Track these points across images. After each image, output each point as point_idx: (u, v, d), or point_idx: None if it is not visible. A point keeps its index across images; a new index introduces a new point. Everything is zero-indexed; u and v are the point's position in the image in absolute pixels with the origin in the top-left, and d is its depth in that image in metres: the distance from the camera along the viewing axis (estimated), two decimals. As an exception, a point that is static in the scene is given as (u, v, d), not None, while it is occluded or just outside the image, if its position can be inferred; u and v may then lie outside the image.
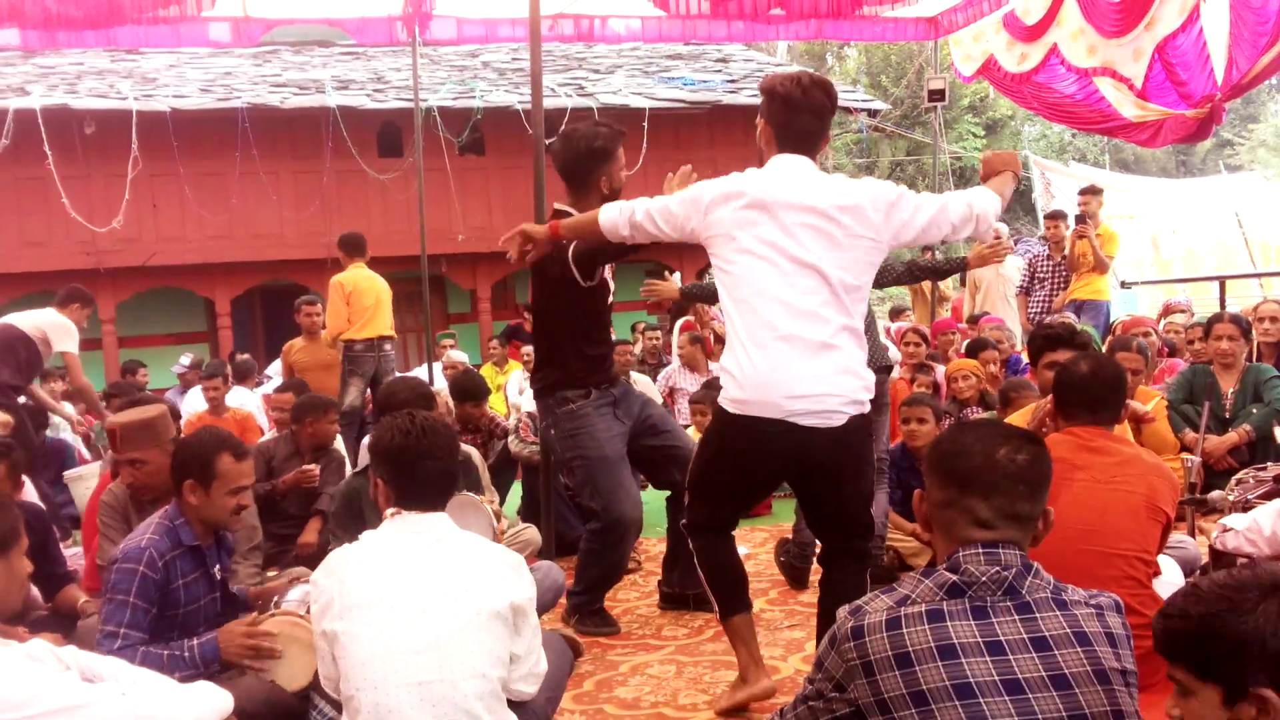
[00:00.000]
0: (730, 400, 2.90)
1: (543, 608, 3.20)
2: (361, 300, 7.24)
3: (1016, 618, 1.71)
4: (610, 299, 3.97)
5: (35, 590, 3.62)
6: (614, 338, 4.16)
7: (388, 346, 7.39)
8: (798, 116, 2.92)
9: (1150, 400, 5.13)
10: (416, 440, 2.34)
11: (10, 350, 6.06)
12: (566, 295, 3.79)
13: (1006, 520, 1.78)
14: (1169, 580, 3.10)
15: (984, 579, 1.73)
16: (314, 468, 4.75)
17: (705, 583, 3.10)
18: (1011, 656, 1.67)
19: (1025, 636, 1.69)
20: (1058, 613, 1.72)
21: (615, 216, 3.12)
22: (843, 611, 1.81)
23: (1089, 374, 2.90)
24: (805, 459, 2.89)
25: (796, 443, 2.83)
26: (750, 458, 2.92)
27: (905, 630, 1.71)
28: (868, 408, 2.93)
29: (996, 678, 1.66)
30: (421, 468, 2.34)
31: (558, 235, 3.35)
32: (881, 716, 1.71)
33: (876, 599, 1.79)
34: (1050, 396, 3.35)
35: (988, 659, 1.67)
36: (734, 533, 3.16)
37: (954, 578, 1.75)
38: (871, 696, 1.72)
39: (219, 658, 2.76)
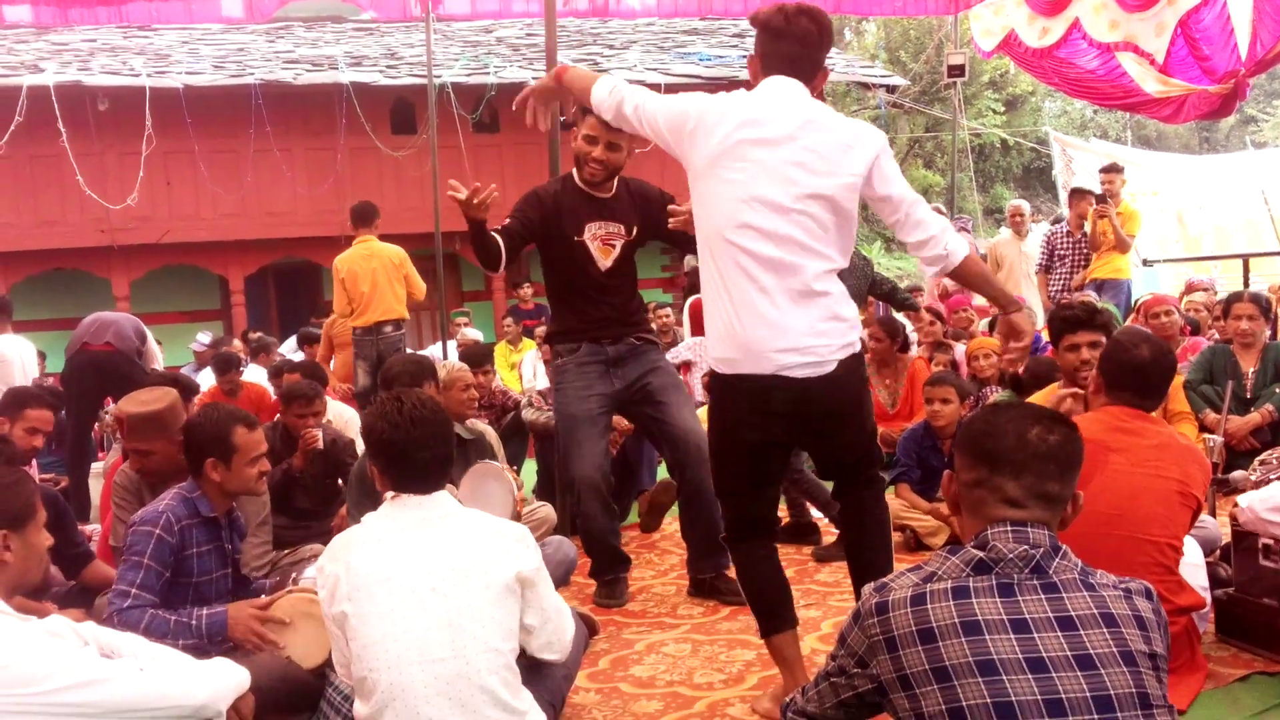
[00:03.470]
0: (719, 360, 2.78)
1: (554, 584, 3.18)
2: (357, 285, 7.10)
3: (1043, 596, 1.70)
4: (605, 264, 3.90)
5: (55, 569, 3.64)
6: (635, 303, 4.05)
7: (388, 329, 7.18)
8: (781, 42, 2.75)
9: None
10: (405, 431, 2.29)
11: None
12: (546, 251, 3.98)
13: (1036, 500, 1.77)
14: (1190, 560, 3.07)
15: (1011, 556, 1.72)
16: (315, 432, 4.50)
17: (745, 597, 3.00)
18: (1036, 635, 1.66)
19: (1051, 615, 1.68)
20: (1085, 593, 1.71)
21: (604, 96, 2.92)
22: (868, 588, 1.80)
23: (1150, 360, 2.84)
24: (803, 411, 2.75)
25: (792, 397, 2.69)
26: (752, 417, 2.76)
27: (930, 606, 1.70)
28: (857, 347, 2.80)
29: (1020, 655, 1.64)
30: (413, 458, 2.30)
31: (560, 79, 3.09)
32: (903, 692, 1.70)
33: (902, 576, 1.78)
34: (1064, 381, 3.30)
35: (1012, 636, 1.66)
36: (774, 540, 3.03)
37: (981, 554, 1.74)
38: (894, 672, 1.71)
39: (225, 633, 2.78)
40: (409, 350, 8.05)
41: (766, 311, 2.67)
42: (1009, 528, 1.74)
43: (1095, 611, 1.69)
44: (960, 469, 1.85)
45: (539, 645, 2.31)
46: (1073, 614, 1.68)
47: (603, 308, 3.94)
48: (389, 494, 2.36)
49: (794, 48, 2.76)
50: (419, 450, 2.29)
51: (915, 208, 2.74)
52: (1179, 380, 5.12)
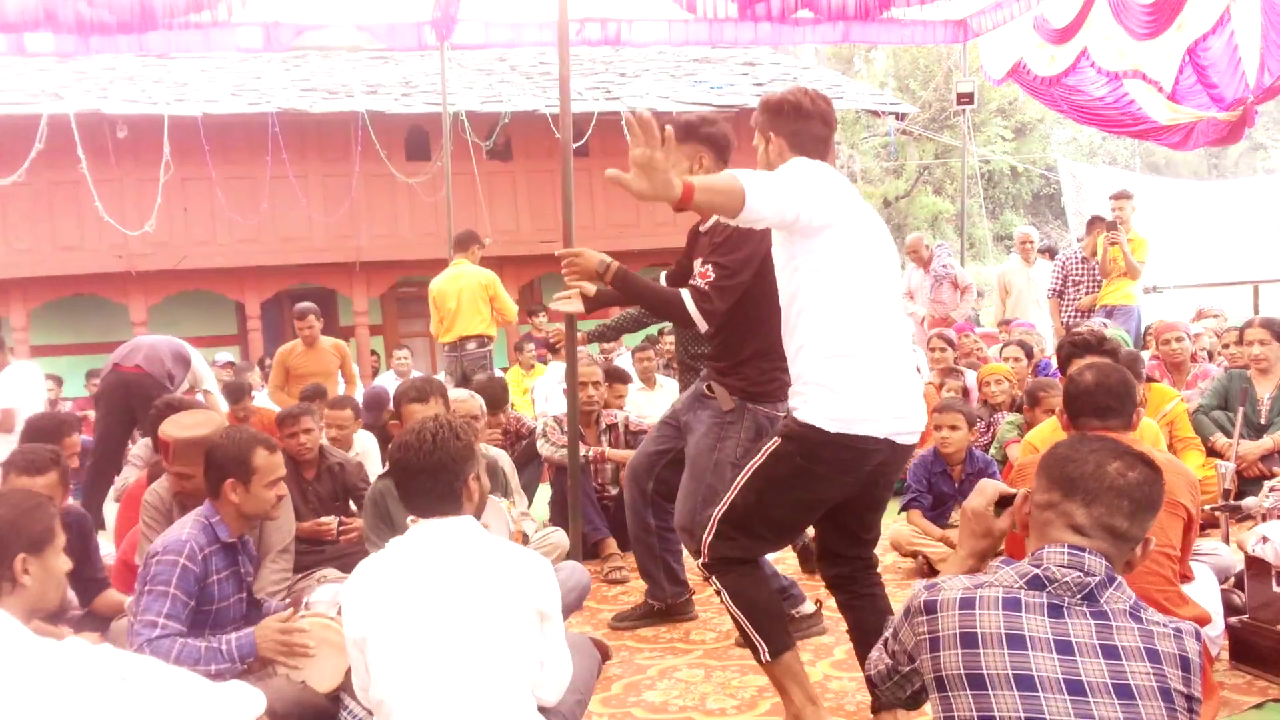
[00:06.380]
0: (833, 418, 2.66)
1: (567, 609, 3.20)
2: (445, 304, 7.62)
3: (1091, 622, 1.71)
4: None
5: (71, 593, 3.66)
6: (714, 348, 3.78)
7: (470, 345, 7.68)
8: (809, 122, 2.85)
9: (1169, 401, 5.09)
10: (412, 455, 2.35)
11: None
12: None
13: (1102, 531, 1.78)
14: (1204, 588, 3.07)
15: (1064, 579, 1.73)
16: (329, 522, 4.40)
17: (744, 623, 2.83)
18: (1079, 659, 1.67)
19: (1097, 642, 1.69)
20: (1133, 625, 1.72)
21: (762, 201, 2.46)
22: (919, 584, 1.84)
23: (1095, 383, 2.94)
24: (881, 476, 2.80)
25: (885, 461, 2.72)
26: (844, 477, 2.73)
27: (978, 611, 1.72)
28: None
29: (1061, 676, 1.66)
30: (407, 484, 2.36)
31: (688, 201, 2.42)
32: (937, 693, 1.73)
33: (954, 578, 1.81)
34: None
35: (1055, 656, 1.67)
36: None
37: (1035, 570, 1.75)
38: (932, 672, 1.74)
39: (255, 654, 2.79)
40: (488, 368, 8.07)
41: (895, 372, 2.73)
42: (1065, 550, 1.76)
43: (1141, 645, 1.69)
44: (1036, 490, 1.87)
45: (543, 681, 2.31)
46: (1118, 644, 1.69)
47: (701, 347, 3.95)
48: (410, 518, 2.39)
49: (820, 128, 2.87)
50: (414, 478, 2.35)
51: None
52: (1183, 408, 5.11)
